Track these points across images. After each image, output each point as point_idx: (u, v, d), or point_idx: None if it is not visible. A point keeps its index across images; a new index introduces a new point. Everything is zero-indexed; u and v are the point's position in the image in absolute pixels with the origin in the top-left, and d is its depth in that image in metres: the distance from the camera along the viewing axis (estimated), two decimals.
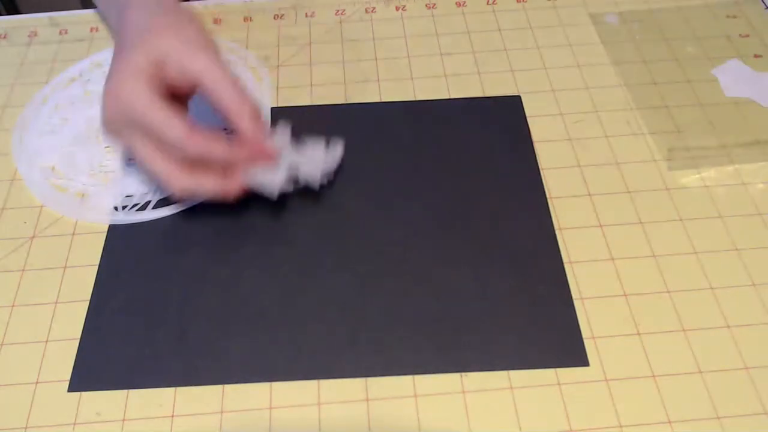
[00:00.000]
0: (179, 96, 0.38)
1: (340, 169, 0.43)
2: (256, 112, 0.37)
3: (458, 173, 0.43)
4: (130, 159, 0.44)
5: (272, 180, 0.38)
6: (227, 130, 0.44)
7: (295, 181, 0.40)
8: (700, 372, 0.34)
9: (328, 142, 0.41)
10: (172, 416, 0.34)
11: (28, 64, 0.51)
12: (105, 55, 0.50)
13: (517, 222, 0.40)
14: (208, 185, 0.37)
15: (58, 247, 0.40)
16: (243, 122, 0.36)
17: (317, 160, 0.40)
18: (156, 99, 0.35)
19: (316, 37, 0.52)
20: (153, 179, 0.42)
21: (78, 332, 0.37)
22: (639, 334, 0.36)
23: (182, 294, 0.38)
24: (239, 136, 0.37)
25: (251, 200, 0.41)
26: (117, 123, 0.37)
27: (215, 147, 0.36)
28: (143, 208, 0.42)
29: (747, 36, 0.50)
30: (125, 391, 0.34)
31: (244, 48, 0.51)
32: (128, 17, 0.39)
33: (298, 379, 0.35)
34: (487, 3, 0.54)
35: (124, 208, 0.42)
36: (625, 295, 0.37)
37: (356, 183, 0.42)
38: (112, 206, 0.42)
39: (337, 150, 0.42)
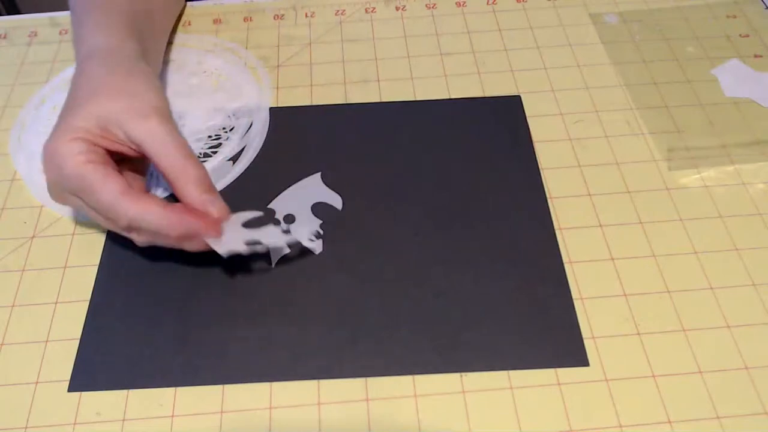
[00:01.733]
0: (135, 162, 0.38)
1: (340, 169, 0.43)
2: (201, 179, 0.36)
3: (458, 173, 0.43)
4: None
5: (226, 245, 0.35)
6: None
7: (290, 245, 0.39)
8: (700, 372, 0.34)
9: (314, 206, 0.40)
10: (172, 416, 0.34)
11: (28, 64, 0.51)
12: None
13: (517, 222, 0.40)
14: (163, 242, 0.36)
15: (58, 247, 0.40)
16: (185, 188, 0.35)
17: (275, 237, 0.36)
18: (89, 160, 0.34)
19: (316, 37, 0.52)
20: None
21: (78, 332, 0.37)
22: (639, 334, 0.36)
23: (182, 294, 0.38)
24: (183, 203, 0.36)
25: (251, 201, 0.41)
26: (56, 185, 0.36)
27: (148, 214, 0.34)
28: None
29: (747, 36, 0.50)
30: (125, 391, 0.34)
31: (244, 48, 0.51)
32: (86, 69, 0.38)
33: (298, 379, 0.35)
34: (487, 3, 0.54)
35: None
36: (625, 295, 0.37)
37: (356, 183, 0.42)
38: None
39: (312, 224, 0.40)
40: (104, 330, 0.37)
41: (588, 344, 0.35)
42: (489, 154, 0.43)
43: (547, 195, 0.41)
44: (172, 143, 0.35)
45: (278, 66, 0.50)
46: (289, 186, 0.42)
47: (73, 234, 0.41)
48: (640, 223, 0.40)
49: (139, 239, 0.36)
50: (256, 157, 0.44)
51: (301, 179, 0.42)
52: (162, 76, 0.49)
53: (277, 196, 0.42)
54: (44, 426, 0.34)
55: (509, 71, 0.49)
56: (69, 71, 0.49)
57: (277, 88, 0.48)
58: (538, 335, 0.36)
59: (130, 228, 0.35)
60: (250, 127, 0.46)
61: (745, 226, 0.40)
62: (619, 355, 0.35)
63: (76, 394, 0.34)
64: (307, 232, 0.39)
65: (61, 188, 0.36)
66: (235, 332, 0.36)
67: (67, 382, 0.35)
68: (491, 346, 0.35)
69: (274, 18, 0.53)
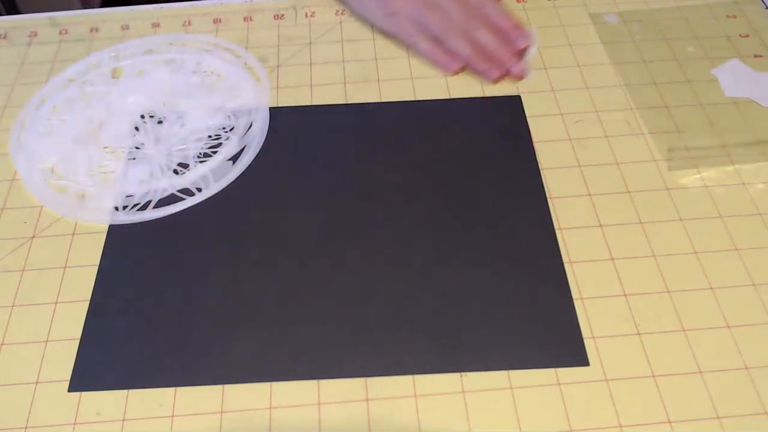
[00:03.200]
0: None
1: (340, 169, 0.43)
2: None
3: (458, 173, 0.42)
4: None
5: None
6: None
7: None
8: (700, 372, 0.34)
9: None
10: (172, 416, 0.34)
11: (27, 64, 0.51)
12: (102, 56, 0.50)
13: (517, 222, 0.40)
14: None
15: (58, 247, 0.40)
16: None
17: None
18: None
19: (316, 37, 0.52)
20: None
21: (78, 332, 0.37)
22: (639, 334, 0.36)
23: (182, 294, 0.38)
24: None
25: (251, 201, 0.41)
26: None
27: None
28: (143, 208, 0.42)
29: (747, 36, 0.50)
30: (125, 391, 0.34)
31: (244, 48, 0.51)
32: None
33: (298, 379, 0.35)
34: None
35: (124, 208, 0.42)
36: (625, 295, 0.37)
37: (356, 183, 0.42)
38: (112, 206, 0.42)
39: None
40: (104, 330, 0.37)
41: (588, 344, 0.35)
42: (489, 154, 0.43)
43: (547, 195, 0.41)
44: None
45: (278, 66, 0.50)
46: (288, 186, 0.42)
47: (73, 234, 0.41)
48: (640, 223, 0.40)
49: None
50: (256, 156, 0.44)
51: (301, 179, 0.42)
52: (162, 76, 0.49)
53: (277, 195, 0.42)
54: (44, 426, 0.34)
55: None
56: (69, 71, 0.49)
57: (277, 88, 0.48)
58: (538, 335, 0.36)
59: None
60: (250, 127, 0.46)
61: (745, 226, 0.40)
62: (619, 355, 0.35)
63: (76, 394, 0.34)
64: None
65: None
66: (235, 332, 0.36)
67: (67, 382, 0.35)
68: (491, 346, 0.35)
69: (274, 18, 0.53)
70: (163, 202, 0.42)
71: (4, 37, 0.53)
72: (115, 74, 0.49)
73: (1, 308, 0.38)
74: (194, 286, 0.38)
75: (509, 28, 0.47)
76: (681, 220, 0.40)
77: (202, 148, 0.44)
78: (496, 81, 0.47)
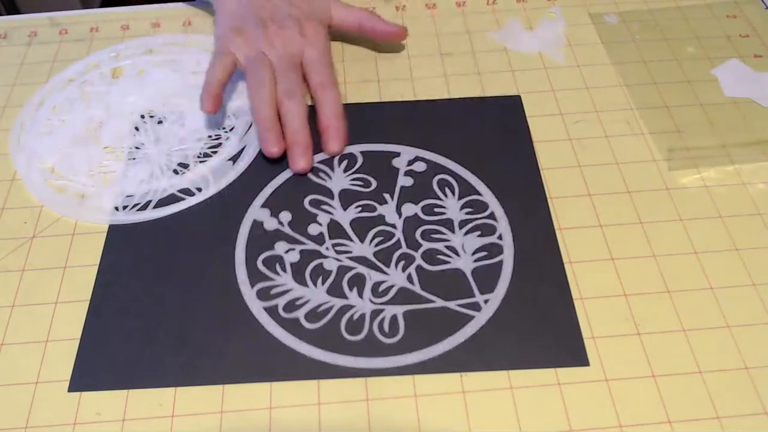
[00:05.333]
0: None
1: (339, 170, 0.43)
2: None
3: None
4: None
5: None
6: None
7: None
8: (700, 372, 0.34)
9: None
10: (172, 416, 0.34)
11: (27, 64, 0.51)
12: (102, 56, 0.51)
13: (517, 222, 0.40)
14: None
15: (58, 247, 0.40)
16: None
17: None
18: None
19: None
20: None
21: (78, 332, 0.37)
22: (639, 334, 0.36)
23: (182, 294, 0.38)
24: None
25: (251, 201, 0.41)
26: None
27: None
28: (143, 208, 0.42)
29: (747, 36, 0.50)
30: (125, 391, 0.34)
31: None
32: None
33: (298, 379, 0.35)
34: (487, 3, 0.54)
35: (124, 208, 0.42)
36: (625, 295, 0.37)
37: (355, 182, 0.42)
38: (112, 206, 0.42)
39: None
40: (104, 330, 0.37)
41: (588, 344, 0.35)
42: (489, 154, 0.43)
43: (547, 195, 0.41)
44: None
45: None
46: (290, 185, 0.42)
47: (73, 234, 0.41)
48: (640, 223, 0.40)
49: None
50: (256, 156, 0.44)
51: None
52: (162, 76, 0.49)
53: (277, 194, 0.42)
54: (44, 426, 0.34)
55: (509, 71, 0.49)
56: (69, 71, 0.49)
57: None
58: (538, 335, 0.36)
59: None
60: (250, 127, 0.46)
61: (745, 226, 0.40)
62: (619, 355, 0.35)
63: (76, 394, 0.34)
64: None
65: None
66: (235, 332, 0.36)
67: (67, 382, 0.35)
68: (491, 346, 0.35)
69: None
70: (163, 202, 0.42)
71: (4, 37, 0.53)
72: (115, 74, 0.49)
73: (1, 308, 0.38)
74: (194, 286, 0.38)
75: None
76: (681, 220, 0.40)
77: (202, 148, 0.44)
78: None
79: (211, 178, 0.43)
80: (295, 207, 0.41)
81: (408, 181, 0.42)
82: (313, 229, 0.40)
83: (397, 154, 0.43)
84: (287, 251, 0.39)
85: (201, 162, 0.44)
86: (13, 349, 0.36)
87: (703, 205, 0.41)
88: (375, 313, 0.36)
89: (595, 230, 0.40)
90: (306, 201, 0.41)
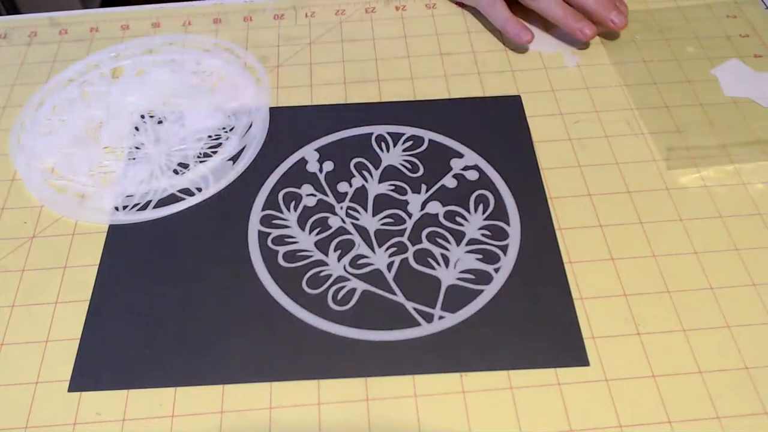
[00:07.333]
0: None
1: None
2: None
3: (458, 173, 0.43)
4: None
5: None
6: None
7: None
8: (700, 372, 0.34)
9: None
10: (172, 416, 0.34)
11: (27, 64, 0.51)
12: (102, 56, 0.51)
13: (517, 222, 0.40)
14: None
15: (58, 247, 0.40)
16: None
17: None
18: None
19: (316, 37, 0.52)
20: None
21: (78, 332, 0.37)
22: (639, 334, 0.36)
23: (182, 294, 0.38)
24: None
25: (251, 201, 0.41)
26: None
27: None
28: (143, 208, 0.42)
29: (747, 36, 0.50)
30: (125, 391, 0.34)
31: (244, 48, 0.51)
32: None
33: (298, 379, 0.35)
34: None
35: (124, 208, 0.42)
36: (625, 295, 0.37)
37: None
38: (112, 206, 0.42)
39: None
40: (104, 330, 0.37)
41: (588, 344, 0.35)
42: (489, 154, 0.43)
43: (547, 195, 0.41)
44: None
45: (278, 66, 0.50)
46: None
47: (73, 234, 0.41)
48: (640, 223, 0.40)
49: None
50: (256, 156, 0.44)
51: (300, 178, 0.42)
52: (162, 76, 0.49)
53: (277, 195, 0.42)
54: (44, 426, 0.34)
55: (509, 71, 0.49)
56: (69, 71, 0.49)
57: (277, 87, 0.48)
58: (538, 335, 0.36)
59: None
60: (250, 127, 0.46)
61: (745, 226, 0.40)
62: (619, 355, 0.35)
63: (76, 394, 0.34)
64: None
65: None
66: (235, 332, 0.36)
67: (67, 382, 0.35)
68: (491, 346, 0.35)
69: (274, 18, 0.53)
70: (163, 202, 0.42)
71: (4, 37, 0.53)
72: (115, 74, 0.49)
73: (1, 308, 0.38)
74: (194, 286, 0.38)
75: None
76: (681, 220, 0.40)
77: (202, 148, 0.45)
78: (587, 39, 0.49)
79: (211, 178, 0.43)
80: (341, 161, 0.43)
81: (452, 183, 0.42)
82: (342, 187, 0.41)
83: (460, 155, 0.43)
84: (308, 195, 0.41)
85: (201, 162, 0.44)
86: (13, 349, 0.36)
87: (703, 204, 0.41)
88: (338, 279, 0.37)
89: (595, 230, 0.40)
90: (353, 161, 0.43)
